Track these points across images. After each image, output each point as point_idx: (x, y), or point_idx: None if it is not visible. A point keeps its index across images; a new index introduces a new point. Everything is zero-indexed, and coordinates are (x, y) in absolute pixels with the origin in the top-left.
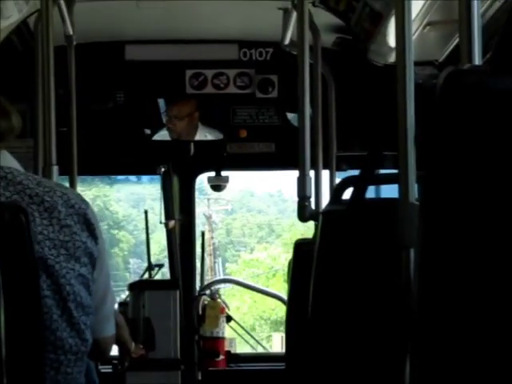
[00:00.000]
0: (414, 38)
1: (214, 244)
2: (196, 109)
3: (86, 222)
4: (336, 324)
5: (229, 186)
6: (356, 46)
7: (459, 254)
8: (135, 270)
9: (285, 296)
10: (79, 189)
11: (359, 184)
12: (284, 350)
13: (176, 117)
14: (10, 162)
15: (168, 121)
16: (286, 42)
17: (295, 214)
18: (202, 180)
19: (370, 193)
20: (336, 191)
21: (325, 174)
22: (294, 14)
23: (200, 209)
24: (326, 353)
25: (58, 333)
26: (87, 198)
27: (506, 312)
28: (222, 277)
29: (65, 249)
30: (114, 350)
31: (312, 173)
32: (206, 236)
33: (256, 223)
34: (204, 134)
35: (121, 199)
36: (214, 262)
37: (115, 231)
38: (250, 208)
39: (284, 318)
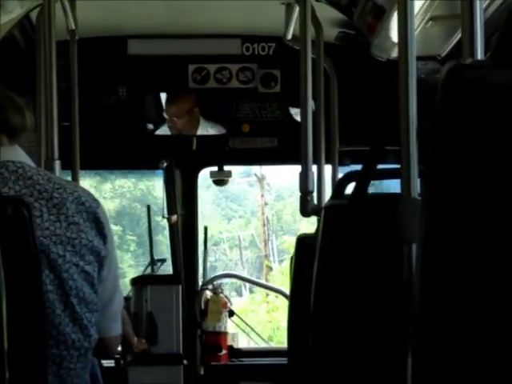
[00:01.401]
0: (416, 32)
1: (266, 218)
2: (195, 104)
3: (96, 220)
4: (338, 319)
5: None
6: (358, 40)
7: (461, 249)
8: None
9: (287, 291)
10: (85, 183)
11: (361, 179)
12: (286, 345)
13: (175, 115)
14: (22, 156)
15: (168, 119)
16: (289, 36)
17: None
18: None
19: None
20: (338, 186)
21: (327, 169)
22: (297, 9)
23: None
24: (328, 347)
25: (61, 328)
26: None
27: (509, 307)
28: (275, 249)
29: (71, 245)
30: None
31: (314, 167)
32: (259, 202)
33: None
34: (206, 129)
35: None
36: (268, 235)
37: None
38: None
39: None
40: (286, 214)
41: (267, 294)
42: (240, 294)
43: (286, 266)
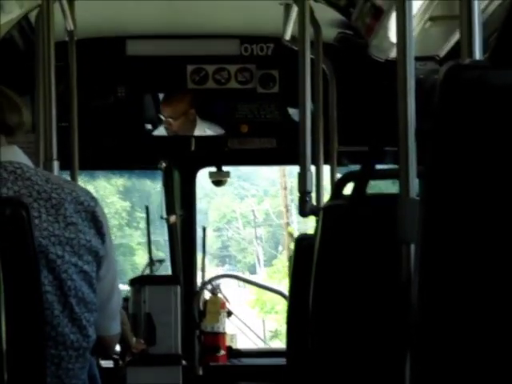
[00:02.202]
0: (415, 33)
1: (285, 183)
2: (191, 106)
3: (94, 219)
4: (337, 319)
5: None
6: (357, 41)
7: (460, 249)
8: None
9: (286, 291)
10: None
11: (360, 179)
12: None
13: (171, 117)
14: (20, 157)
15: (164, 120)
16: (287, 37)
17: None
18: None
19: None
20: (337, 186)
21: (326, 170)
22: (295, 9)
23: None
24: (326, 347)
25: (60, 328)
26: None
27: (507, 308)
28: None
29: (70, 246)
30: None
31: (313, 168)
32: (280, 180)
33: None
34: (203, 129)
35: None
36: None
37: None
38: None
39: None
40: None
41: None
42: (254, 272)
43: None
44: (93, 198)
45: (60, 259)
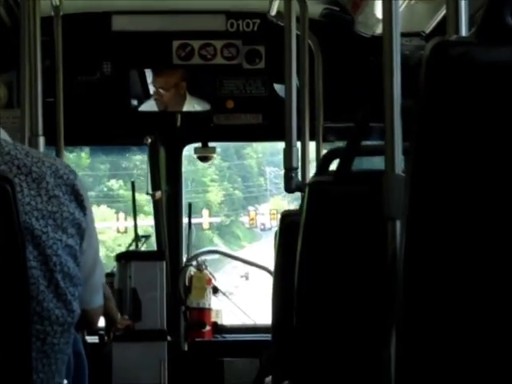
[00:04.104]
0: (401, 9)
1: None
2: (183, 79)
3: (74, 192)
4: (322, 295)
5: None
6: (343, 16)
7: (445, 225)
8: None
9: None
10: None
11: (345, 155)
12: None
13: (162, 88)
14: None
15: (154, 92)
16: (273, 12)
17: None
18: None
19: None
20: (322, 162)
21: (311, 146)
22: None
23: None
24: (311, 324)
25: (45, 304)
26: None
27: (493, 285)
28: None
29: (53, 219)
30: (101, 321)
31: (299, 144)
32: None
33: None
34: (192, 105)
35: None
36: None
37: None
38: None
39: None
40: None
41: None
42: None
43: None
44: (72, 171)
45: (45, 235)
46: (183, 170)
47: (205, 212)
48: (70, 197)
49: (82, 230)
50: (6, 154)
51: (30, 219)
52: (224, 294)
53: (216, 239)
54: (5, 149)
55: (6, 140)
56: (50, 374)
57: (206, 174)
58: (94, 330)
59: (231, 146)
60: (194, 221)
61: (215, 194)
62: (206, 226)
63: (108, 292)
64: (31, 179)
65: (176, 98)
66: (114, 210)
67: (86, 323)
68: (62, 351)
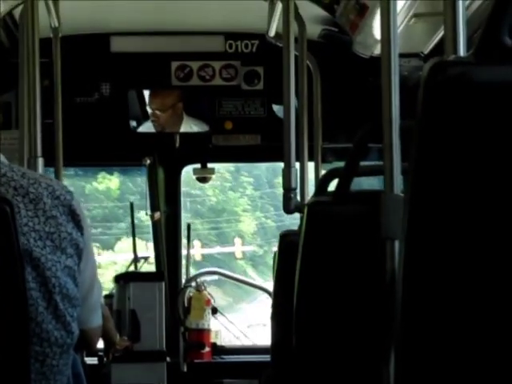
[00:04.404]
0: (399, 30)
1: None
2: (179, 100)
3: (71, 212)
4: (321, 316)
5: None
6: (341, 37)
7: (444, 246)
8: None
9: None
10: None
11: (344, 176)
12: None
13: (158, 109)
14: None
15: (151, 113)
16: (272, 33)
17: None
18: None
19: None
20: (321, 183)
21: (310, 166)
22: (280, 6)
23: None
24: (310, 345)
25: (44, 325)
26: None
27: (492, 305)
28: None
29: (51, 240)
30: (100, 342)
31: (297, 165)
32: None
33: None
34: (189, 126)
35: None
36: None
37: None
38: None
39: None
40: None
41: None
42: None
43: None
44: (68, 192)
45: (44, 256)
46: (214, 200)
47: (237, 241)
48: (67, 217)
49: (80, 250)
50: (3, 175)
51: (28, 240)
52: (222, 314)
53: (249, 270)
54: (1, 170)
55: (2, 162)
56: None
57: (238, 204)
58: (93, 351)
59: (262, 175)
60: (226, 249)
61: (247, 224)
62: (238, 254)
63: (107, 313)
64: (28, 200)
65: (173, 119)
66: None
67: (85, 343)
68: (61, 372)
